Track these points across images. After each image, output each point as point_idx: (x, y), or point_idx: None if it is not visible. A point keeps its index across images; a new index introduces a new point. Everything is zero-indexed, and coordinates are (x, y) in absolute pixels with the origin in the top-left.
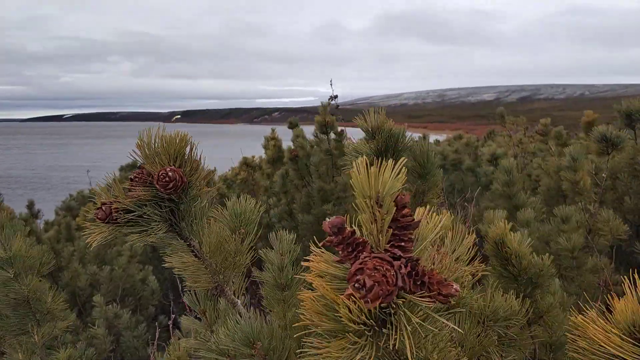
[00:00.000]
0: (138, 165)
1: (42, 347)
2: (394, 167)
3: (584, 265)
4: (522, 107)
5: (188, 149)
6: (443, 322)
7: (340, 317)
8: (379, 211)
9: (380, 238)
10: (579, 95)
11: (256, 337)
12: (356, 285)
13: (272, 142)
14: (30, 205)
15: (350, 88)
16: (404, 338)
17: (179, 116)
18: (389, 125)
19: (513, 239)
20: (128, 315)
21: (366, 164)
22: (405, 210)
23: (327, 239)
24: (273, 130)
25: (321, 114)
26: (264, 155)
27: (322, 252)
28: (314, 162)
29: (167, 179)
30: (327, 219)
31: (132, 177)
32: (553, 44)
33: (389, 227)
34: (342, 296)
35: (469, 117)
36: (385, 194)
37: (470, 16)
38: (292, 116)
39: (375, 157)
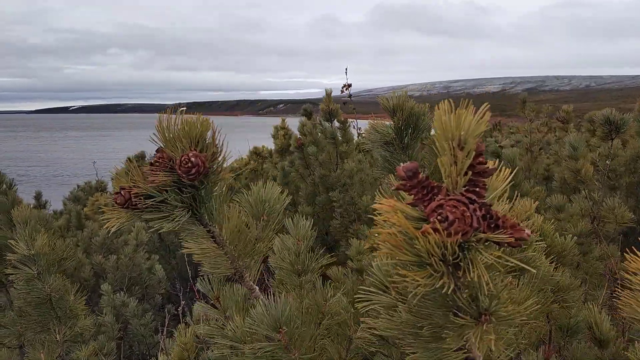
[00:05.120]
0: (157, 149)
1: (62, 344)
2: (476, 111)
3: (590, 253)
4: (528, 98)
5: (210, 133)
6: (514, 264)
7: (419, 250)
8: (460, 153)
9: (459, 180)
10: (585, 87)
11: (284, 322)
12: (439, 217)
13: (281, 132)
14: (38, 197)
15: (350, 80)
16: (480, 273)
17: (184, 108)
18: (410, 104)
19: (538, 218)
20: (135, 304)
21: (450, 107)
22: (481, 158)
23: (399, 183)
24: (283, 120)
25: (325, 102)
26: (269, 146)
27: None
28: (312, 152)
29: (189, 164)
30: (401, 164)
31: (153, 161)
32: (551, 37)
33: (466, 171)
34: (420, 230)
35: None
36: (467, 137)
37: (464, 9)
38: (297, 108)
39: (394, 135)
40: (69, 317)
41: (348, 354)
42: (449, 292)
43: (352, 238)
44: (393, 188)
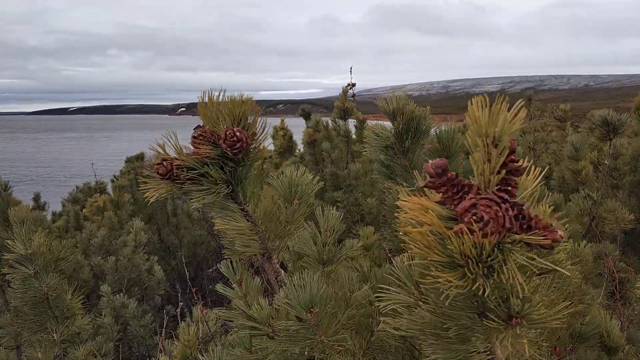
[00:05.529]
0: (195, 126)
1: (60, 344)
2: (510, 108)
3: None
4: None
5: (251, 113)
6: (547, 266)
7: (452, 251)
8: (494, 151)
9: (492, 178)
10: (584, 86)
11: (317, 302)
12: (474, 217)
13: (281, 132)
14: (37, 198)
15: (350, 80)
16: (513, 274)
17: (183, 109)
18: (410, 107)
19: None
20: (135, 305)
21: (484, 102)
22: (513, 156)
23: (428, 180)
24: (282, 120)
25: (341, 99)
26: (270, 147)
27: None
28: (325, 148)
29: (234, 138)
30: (429, 161)
31: (196, 135)
32: (551, 37)
33: (499, 170)
34: (453, 230)
35: None
36: (502, 134)
37: (464, 9)
38: (297, 108)
39: (394, 140)
40: (66, 316)
41: (368, 345)
42: (485, 295)
43: (356, 239)
44: (421, 185)
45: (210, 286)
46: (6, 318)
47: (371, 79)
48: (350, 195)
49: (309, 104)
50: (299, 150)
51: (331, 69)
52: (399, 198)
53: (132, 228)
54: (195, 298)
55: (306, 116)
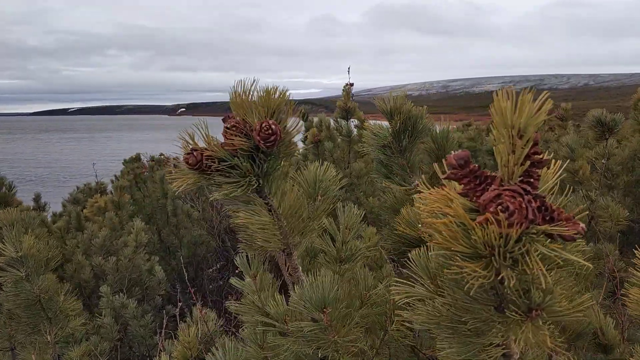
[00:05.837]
0: (223, 118)
1: (54, 345)
2: (535, 99)
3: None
4: None
5: (285, 105)
6: (570, 258)
7: (475, 241)
8: (518, 142)
9: (516, 170)
10: (583, 85)
11: (329, 303)
12: (500, 208)
13: None
14: (37, 198)
15: (351, 80)
16: (537, 265)
17: (183, 109)
18: (408, 106)
19: None
20: (134, 305)
21: (510, 94)
22: (537, 148)
23: (450, 171)
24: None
25: (344, 99)
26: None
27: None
28: (328, 148)
29: (270, 131)
30: (452, 152)
31: (229, 126)
32: (551, 36)
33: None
34: (477, 220)
35: (473, 107)
36: (528, 125)
37: (464, 9)
38: (297, 108)
39: (391, 139)
40: (59, 317)
41: (381, 345)
42: (511, 285)
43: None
44: (443, 177)
45: (210, 286)
46: None
47: (371, 79)
48: (352, 195)
49: (309, 104)
50: (299, 150)
51: (331, 69)
52: (396, 197)
53: (133, 228)
54: (195, 298)
55: (304, 118)
